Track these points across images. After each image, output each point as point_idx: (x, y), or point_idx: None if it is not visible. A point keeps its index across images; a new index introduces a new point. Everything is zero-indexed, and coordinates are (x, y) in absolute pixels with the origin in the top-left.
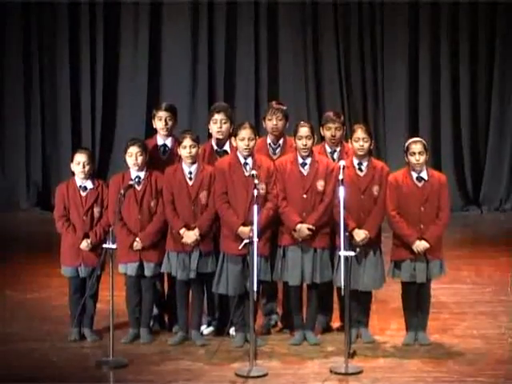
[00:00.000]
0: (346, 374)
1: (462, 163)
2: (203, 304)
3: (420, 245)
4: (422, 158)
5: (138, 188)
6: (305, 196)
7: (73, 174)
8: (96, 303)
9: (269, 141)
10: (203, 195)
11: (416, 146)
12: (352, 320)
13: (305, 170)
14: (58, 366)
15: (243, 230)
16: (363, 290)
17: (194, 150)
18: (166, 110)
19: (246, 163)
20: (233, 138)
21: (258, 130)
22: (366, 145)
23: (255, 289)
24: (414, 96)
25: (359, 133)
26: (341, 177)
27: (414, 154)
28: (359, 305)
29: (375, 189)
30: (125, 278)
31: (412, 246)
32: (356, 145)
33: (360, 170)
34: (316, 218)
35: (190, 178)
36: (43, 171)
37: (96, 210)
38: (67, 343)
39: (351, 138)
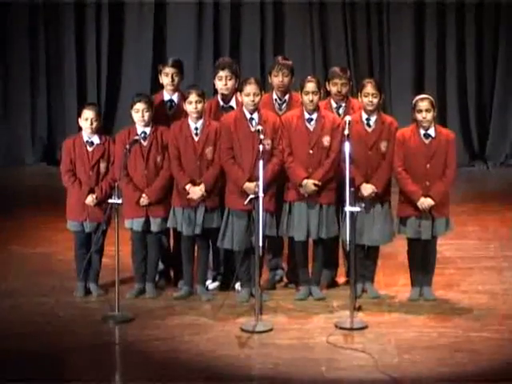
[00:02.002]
0: (351, 329)
1: (467, 118)
2: (208, 259)
3: (425, 202)
4: (429, 115)
5: (144, 143)
6: (311, 151)
7: (79, 128)
8: (101, 258)
9: (275, 96)
10: (209, 151)
11: (423, 103)
12: (358, 275)
13: (311, 126)
14: (64, 321)
15: (248, 185)
16: (372, 244)
17: (199, 106)
18: (172, 65)
19: (251, 118)
20: (238, 94)
21: (263, 85)
22: (376, 100)
23: (261, 244)
24: (420, 51)
25: (369, 88)
26: (346, 132)
27: (421, 111)
28: (366, 260)
29: (383, 145)
30: (130, 233)
31: (417, 203)
32: (365, 100)
33: (368, 125)
34: (322, 173)
35: (196, 134)
36: (49, 126)
37: (102, 166)
38: (73, 298)
39: (360, 93)
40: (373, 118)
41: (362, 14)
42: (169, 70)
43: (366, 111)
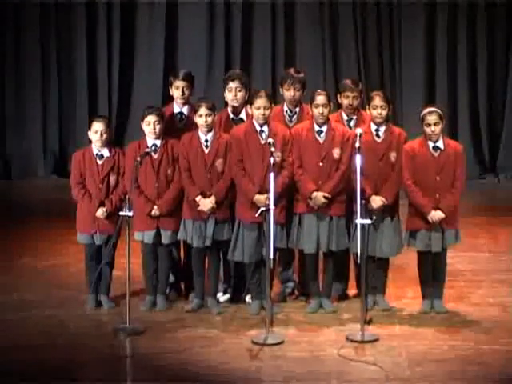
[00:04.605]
0: (362, 341)
1: (478, 131)
2: (219, 271)
3: (435, 215)
4: (438, 129)
5: (155, 156)
6: (321, 164)
7: (90, 141)
8: (112, 270)
9: (285, 108)
10: (219, 163)
11: (431, 117)
12: (369, 287)
13: (321, 138)
14: (75, 333)
15: (259, 197)
16: (381, 256)
17: (209, 119)
18: (183, 79)
19: (261, 131)
20: (248, 106)
21: (274, 97)
22: (384, 112)
23: (271, 256)
24: (431, 63)
25: (377, 100)
26: (357, 145)
27: (430, 125)
28: (376, 272)
29: (393, 155)
30: (141, 245)
31: (427, 216)
32: (374, 112)
33: (377, 136)
34: (332, 186)
35: (206, 146)
36: (60, 138)
37: (112, 178)
38: (83, 310)
39: (369, 105)
40: (382, 129)
41: (373, 25)
42: (180, 83)
43: (375, 122)
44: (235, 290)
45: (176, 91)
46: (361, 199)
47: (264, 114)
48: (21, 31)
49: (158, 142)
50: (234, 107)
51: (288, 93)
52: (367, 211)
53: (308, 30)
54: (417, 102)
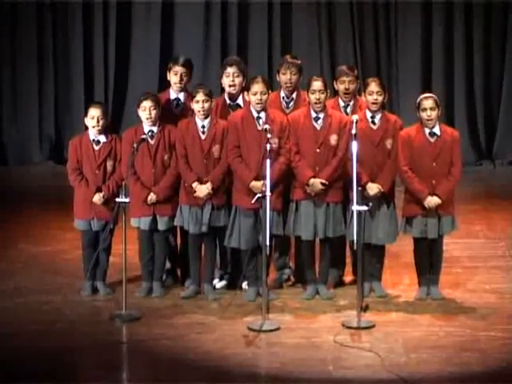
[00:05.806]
0: (359, 328)
1: (475, 117)
2: (216, 258)
3: (431, 200)
4: (434, 114)
5: (152, 142)
6: (318, 150)
7: (86, 127)
8: (109, 257)
9: (282, 94)
10: (216, 149)
11: (427, 101)
12: (365, 274)
13: (318, 125)
14: (71, 320)
15: (255, 184)
16: (376, 243)
17: (206, 105)
18: (182, 65)
19: (258, 117)
20: (245, 93)
21: (271, 84)
22: (380, 98)
23: (268, 243)
24: (428, 49)
25: (373, 86)
26: (354, 131)
27: (426, 109)
28: (372, 259)
29: (388, 142)
30: (137, 231)
31: (423, 202)
32: (370, 98)
33: (373, 123)
34: (329, 172)
35: (203, 132)
36: (56, 125)
37: (109, 164)
38: (80, 296)
39: (365, 92)
40: (377, 116)
41: (369, 12)
42: (179, 68)
43: (371, 110)
44: (232, 276)
45: (174, 77)
46: (357, 186)
47: (261, 100)
48: (18, 19)
49: (155, 129)
50: (230, 93)
51: (284, 77)
52: (363, 198)
53: (305, 18)
54: (413, 91)
